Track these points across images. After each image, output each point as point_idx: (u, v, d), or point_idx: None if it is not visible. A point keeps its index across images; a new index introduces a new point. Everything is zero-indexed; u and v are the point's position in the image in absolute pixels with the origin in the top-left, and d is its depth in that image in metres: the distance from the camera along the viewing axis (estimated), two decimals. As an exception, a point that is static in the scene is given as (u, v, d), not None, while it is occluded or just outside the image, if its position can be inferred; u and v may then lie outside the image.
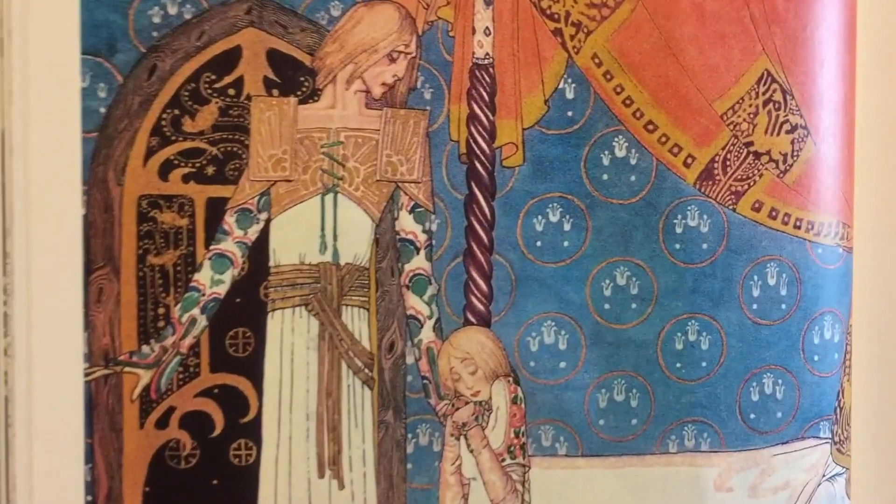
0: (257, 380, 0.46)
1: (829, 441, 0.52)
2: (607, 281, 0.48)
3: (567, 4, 0.46)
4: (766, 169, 0.49)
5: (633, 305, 0.48)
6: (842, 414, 0.53)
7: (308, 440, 0.46)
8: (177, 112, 0.44)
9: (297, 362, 0.46)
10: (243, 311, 0.46)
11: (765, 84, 0.48)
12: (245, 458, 0.46)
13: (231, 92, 0.44)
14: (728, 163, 0.49)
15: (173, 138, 0.44)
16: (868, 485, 0.56)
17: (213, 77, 0.44)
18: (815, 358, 0.50)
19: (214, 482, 0.45)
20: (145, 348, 0.45)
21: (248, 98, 0.45)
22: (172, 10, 0.43)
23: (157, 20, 0.43)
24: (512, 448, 0.48)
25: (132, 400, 0.45)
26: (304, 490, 0.46)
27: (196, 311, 0.45)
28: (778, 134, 0.48)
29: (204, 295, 0.45)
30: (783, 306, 0.49)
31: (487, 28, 0.45)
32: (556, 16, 0.46)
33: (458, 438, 0.47)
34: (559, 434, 0.48)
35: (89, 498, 0.45)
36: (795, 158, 0.49)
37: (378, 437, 0.47)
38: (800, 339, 0.50)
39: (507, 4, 0.46)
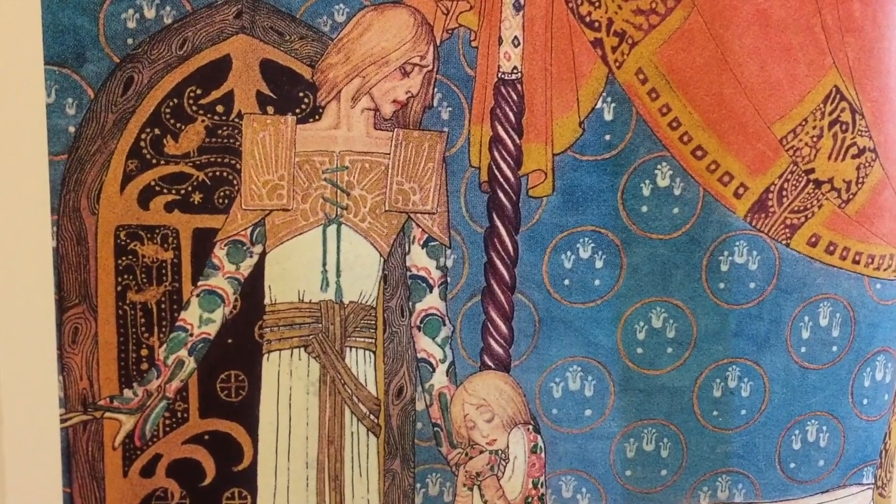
0: (251, 426, 0.43)
1: (872, 487, 0.47)
2: (641, 323, 0.43)
3: (610, 11, 0.40)
4: (827, 199, 0.43)
5: (669, 350, 0.43)
6: (886, 456, 0.48)
7: (307, 490, 0.43)
8: (157, 132, 0.41)
9: (295, 408, 0.43)
10: (236, 352, 0.43)
11: (832, 103, 0.42)
12: None
13: (219, 109, 0.40)
14: (784, 193, 0.43)
15: (154, 162, 0.41)
16: None
17: (199, 92, 0.40)
18: (864, 402, 0.45)
19: None
20: (128, 392, 0.42)
21: (240, 116, 0.41)
22: (149, 14, 0.38)
23: (131, 25, 0.38)
24: (529, 500, 0.44)
25: (114, 447, 0.42)
26: None
27: (183, 353, 0.42)
28: (843, 159, 0.43)
29: (192, 335, 0.42)
30: (834, 348, 0.44)
31: (516, 38, 0.41)
32: (596, 24, 0.41)
33: (471, 489, 0.43)
34: (581, 485, 0.44)
35: None
36: (860, 186, 0.43)
37: (384, 487, 0.44)
38: (849, 383, 0.45)
39: (541, 10, 0.40)
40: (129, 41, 0.39)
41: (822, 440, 0.46)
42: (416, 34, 0.41)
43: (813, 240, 0.44)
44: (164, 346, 0.41)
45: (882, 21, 0.42)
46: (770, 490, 0.46)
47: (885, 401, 0.47)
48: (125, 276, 0.41)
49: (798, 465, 0.46)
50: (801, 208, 0.44)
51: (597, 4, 0.41)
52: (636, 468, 0.44)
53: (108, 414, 0.43)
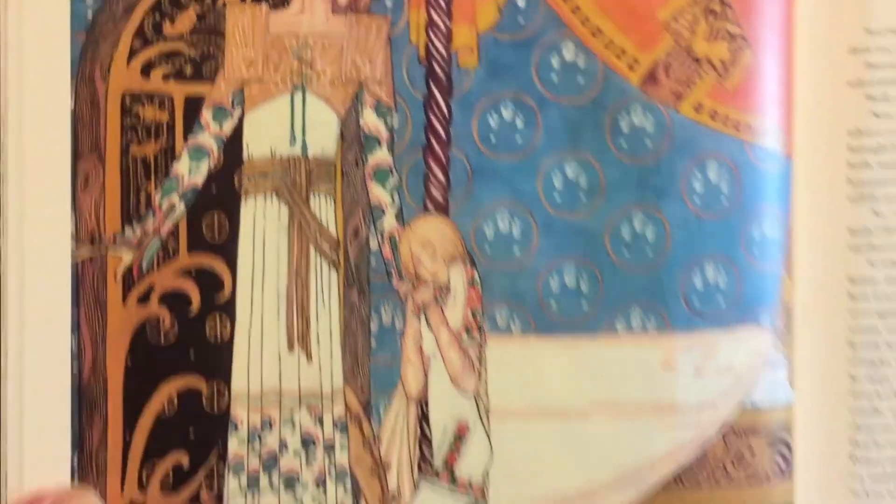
0: (231, 261, 0.52)
1: (771, 329, 0.55)
2: (558, 173, 0.52)
3: None
4: (707, 73, 0.52)
5: (583, 197, 0.51)
6: (782, 306, 0.56)
7: (278, 317, 0.52)
8: (158, 17, 0.51)
9: (268, 245, 0.52)
10: (219, 199, 0.52)
11: (704, -7, 0.54)
12: (220, 333, 0.51)
13: (208, -1, 0.52)
14: (670, 67, 0.52)
15: (155, 41, 0.51)
16: (809, 374, 0.58)
17: (192, -16, 0.51)
18: (756, 252, 0.53)
19: (191, 356, 0.52)
20: (128, 231, 0.51)
21: (224, 5, 0.51)
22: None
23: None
24: (469, 327, 0.51)
25: (115, 279, 0.51)
26: (274, 363, 0.52)
27: (175, 199, 0.52)
28: (717, 42, 0.52)
29: (182, 184, 0.52)
30: (724, 202, 0.52)
31: (445, -67, 0.53)
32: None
33: (418, 317, 0.51)
34: (513, 314, 0.52)
35: (76, 367, 0.51)
36: (734, 66, 0.52)
37: (344, 316, 0.53)
38: (740, 234, 0.53)
39: None
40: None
41: (721, 282, 0.54)
42: None
43: (697, 106, 0.53)
44: (160, 192, 0.51)
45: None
46: (678, 322, 0.53)
47: (777, 254, 0.55)
48: (129, 134, 0.51)
49: (701, 301, 0.53)
50: (685, 80, 0.53)
51: None
52: (560, 300, 0.52)
53: (111, 250, 0.51)
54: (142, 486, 0.52)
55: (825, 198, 0.60)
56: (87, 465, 0.51)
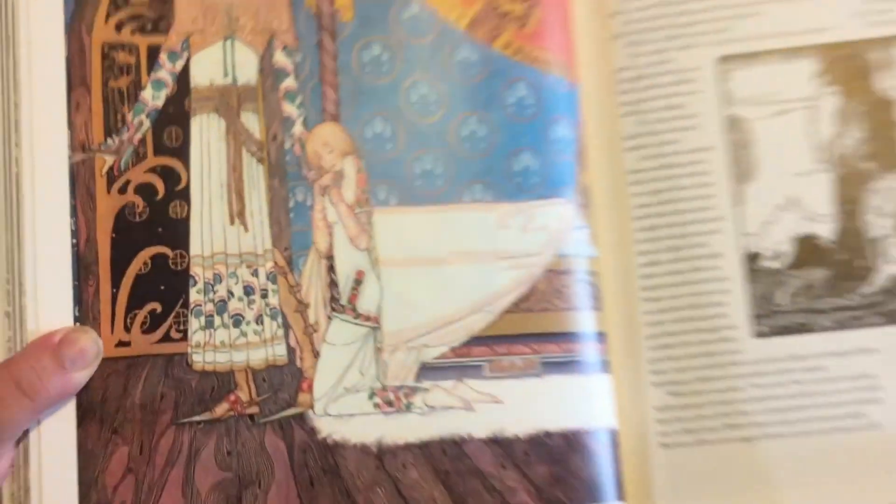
0: (186, 161, 0.67)
1: (573, 202, 0.70)
2: (414, 92, 0.68)
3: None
4: (510, 23, 0.71)
5: (433, 107, 0.68)
6: (581, 186, 0.72)
7: (222, 200, 0.66)
8: None
9: (212, 149, 0.67)
10: (174, 116, 0.67)
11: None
12: (180, 213, 0.66)
13: (162, -21, 0.69)
14: (485, 18, 0.71)
15: (123, 6, 0.67)
16: (604, 235, 0.72)
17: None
18: (556, 147, 0.70)
19: (159, 230, 0.66)
20: (109, 141, 0.66)
21: None
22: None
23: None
24: (360, 202, 0.67)
25: (101, 175, 0.66)
26: (220, 234, 0.66)
27: (142, 117, 0.66)
28: (515, 3, 0.71)
29: (147, 106, 0.66)
30: (530, 112, 0.69)
31: None
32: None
33: (323, 196, 0.67)
34: (390, 191, 0.68)
35: (74, 241, 0.64)
36: (529, 18, 0.71)
37: (269, 197, 0.67)
38: (544, 133, 0.70)
39: None
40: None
41: (534, 166, 0.68)
42: None
43: (506, 45, 0.70)
44: (131, 113, 0.66)
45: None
46: (506, 194, 0.66)
47: (571, 147, 0.71)
48: (107, 72, 0.66)
49: (521, 179, 0.66)
50: (496, 27, 0.70)
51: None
52: (422, 180, 0.66)
53: (98, 154, 0.66)
54: (126, 329, 0.64)
55: (603, 111, 0.73)
56: (85, 314, 0.63)
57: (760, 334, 0.71)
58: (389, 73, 0.68)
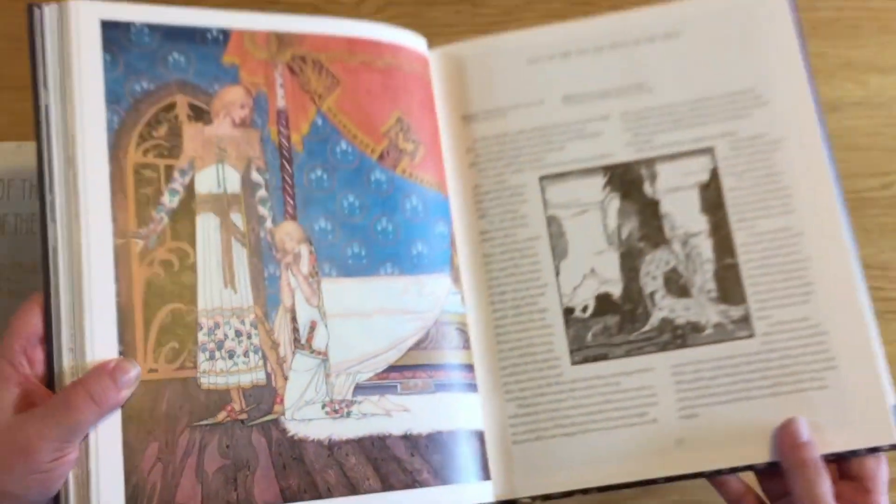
0: (193, 245, 0.78)
1: (450, 275, 0.85)
2: (345, 201, 0.82)
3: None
4: (405, 155, 0.86)
5: (356, 211, 0.82)
6: (454, 265, 0.86)
7: (218, 272, 0.78)
8: (148, 129, 0.79)
9: (211, 237, 0.79)
10: (185, 214, 0.79)
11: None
12: (189, 281, 0.78)
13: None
14: (389, 152, 0.86)
15: (148, 139, 0.78)
16: (470, 296, 0.87)
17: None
18: (439, 237, 0.86)
19: (175, 292, 0.77)
20: (141, 230, 0.77)
21: (181, 123, 0.80)
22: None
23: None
24: (311, 274, 0.81)
25: (135, 254, 0.76)
26: (218, 295, 0.78)
27: (163, 214, 0.77)
28: (407, 142, 0.87)
29: (166, 207, 0.78)
30: (420, 216, 0.86)
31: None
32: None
33: (286, 269, 0.80)
34: (332, 266, 0.82)
35: (117, 299, 0.74)
36: (416, 153, 0.87)
37: (250, 270, 0.79)
38: (430, 229, 0.85)
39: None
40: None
41: (425, 251, 0.87)
42: None
43: (403, 171, 0.85)
44: (155, 211, 0.77)
45: None
46: (408, 270, 0.84)
47: (447, 240, 0.87)
48: (138, 182, 0.77)
49: (418, 260, 0.85)
50: (397, 158, 0.86)
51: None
52: (352, 260, 0.80)
53: (132, 239, 0.76)
54: (155, 360, 0.75)
55: (465, 215, 0.88)
56: (126, 350, 0.74)
57: (575, 362, 0.86)
58: (329, 188, 0.83)
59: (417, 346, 0.83)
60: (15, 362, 0.70)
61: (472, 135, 0.91)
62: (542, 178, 0.90)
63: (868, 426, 0.81)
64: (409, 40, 0.90)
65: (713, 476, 0.82)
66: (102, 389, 0.70)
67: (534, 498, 0.83)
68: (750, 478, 0.83)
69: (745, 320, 0.86)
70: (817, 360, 0.84)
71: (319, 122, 0.85)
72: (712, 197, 0.88)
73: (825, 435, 0.80)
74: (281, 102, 0.84)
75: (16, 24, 0.83)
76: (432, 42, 0.91)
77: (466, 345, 0.85)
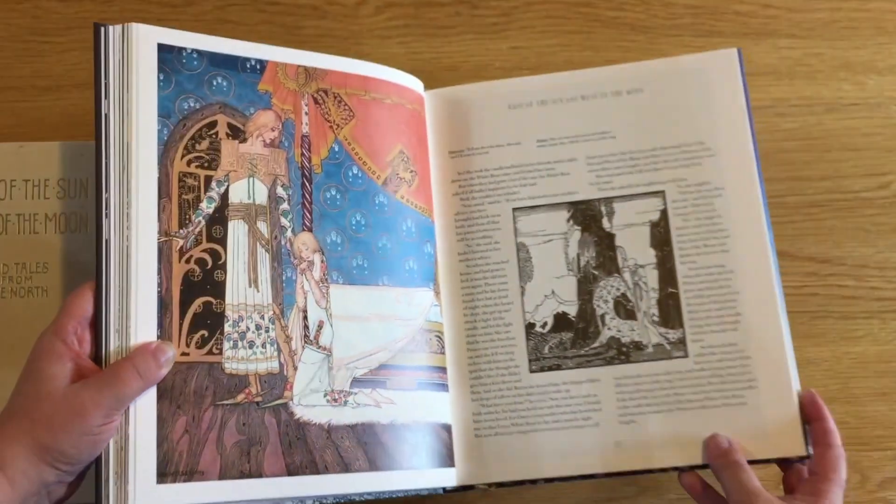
0: (225, 247, 0.86)
1: (432, 289, 0.94)
2: (353, 219, 0.90)
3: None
4: (402, 183, 0.94)
5: (362, 229, 0.91)
6: (436, 280, 0.94)
7: (245, 272, 0.85)
8: (192, 142, 0.87)
9: (240, 241, 0.86)
10: (219, 220, 0.86)
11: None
12: (220, 278, 0.85)
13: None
14: (392, 179, 0.94)
15: (192, 150, 0.86)
16: (446, 307, 0.95)
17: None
18: (426, 256, 0.93)
19: (208, 287, 0.85)
20: (181, 231, 0.84)
21: (220, 140, 0.88)
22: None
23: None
24: (322, 279, 0.88)
25: (176, 251, 0.84)
26: (243, 292, 0.85)
27: (201, 218, 0.84)
28: (406, 172, 0.97)
29: (203, 212, 0.85)
30: (412, 236, 0.94)
31: (308, 120, 1.09)
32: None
33: (301, 274, 0.86)
34: (339, 275, 0.90)
35: (159, 290, 0.82)
36: (413, 181, 0.95)
37: (271, 273, 0.86)
38: (419, 247, 0.94)
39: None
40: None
41: (414, 267, 0.94)
42: None
43: (402, 196, 0.94)
44: (194, 215, 0.84)
45: None
46: (400, 282, 0.91)
47: (432, 259, 0.96)
48: (181, 189, 0.84)
49: (407, 275, 0.93)
50: (398, 185, 0.95)
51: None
52: (355, 270, 0.95)
53: (174, 238, 0.86)
54: (187, 345, 0.82)
55: (447, 238, 0.96)
56: (163, 334, 0.82)
57: (533, 370, 0.94)
58: (341, 206, 0.92)
59: (404, 348, 0.92)
60: (68, 341, 0.77)
61: (457, 168, 1.00)
62: (514, 210, 0.98)
63: (780, 440, 0.92)
64: (410, 82, 1.00)
65: (645, 474, 0.91)
66: (146, 366, 0.78)
67: (489, 484, 0.91)
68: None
69: (681, 342, 0.95)
70: (740, 381, 0.95)
71: (336, 148, 0.93)
72: (661, 234, 0.98)
73: (744, 445, 0.89)
74: (305, 128, 0.92)
75: (17, 25, 0.94)
76: (430, 45, 1.03)
77: (442, 350, 0.94)
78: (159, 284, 0.84)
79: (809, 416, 0.90)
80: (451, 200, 1.00)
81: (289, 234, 0.91)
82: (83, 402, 0.74)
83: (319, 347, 0.89)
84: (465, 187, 1.01)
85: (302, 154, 0.92)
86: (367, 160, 0.96)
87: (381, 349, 0.93)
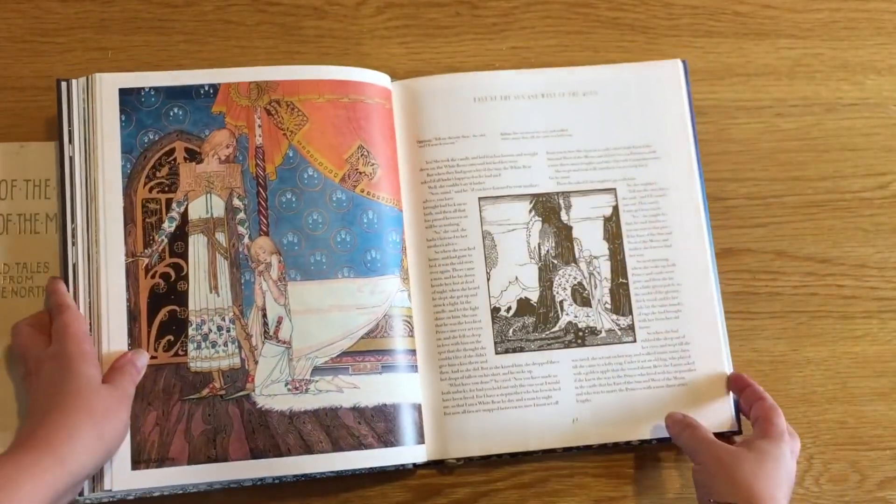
0: (186, 260, 0.94)
1: (399, 276, 0.97)
2: (310, 218, 0.95)
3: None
4: (363, 176, 0.98)
5: (319, 224, 0.96)
6: (403, 267, 0.97)
7: (206, 280, 0.94)
8: (152, 171, 0.96)
9: (200, 253, 0.94)
10: (180, 236, 0.94)
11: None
12: (183, 288, 0.94)
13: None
14: (350, 175, 0.98)
15: (153, 178, 0.94)
16: (415, 294, 0.99)
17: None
18: (391, 245, 0.97)
19: (172, 297, 0.94)
20: (146, 251, 0.93)
21: (178, 164, 0.96)
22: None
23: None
24: (280, 279, 0.94)
25: (142, 269, 0.93)
26: (205, 298, 0.94)
27: (163, 237, 0.93)
28: (366, 165, 0.98)
29: (165, 231, 0.93)
30: (375, 227, 0.98)
31: (260, 133, 1.17)
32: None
33: (259, 276, 0.93)
34: (297, 272, 0.95)
35: (128, 304, 0.91)
36: (374, 174, 0.98)
37: (231, 277, 0.94)
38: (384, 238, 0.97)
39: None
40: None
41: (378, 257, 0.95)
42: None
43: (362, 190, 0.94)
44: (157, 235, 0.94)
45: None
46: (362, 272, 0.95)
47: (398, 247, 0.98)
48: (145, 214, 0.95)
49: (371, 264, 0.96)
50: (357, 179, 0.98)
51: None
52: (314, 264, 1.00)
53: (139, 258, 1.01)
54: (155, 349, 0.92)
55: (415, 226, 0.99)
56: (133, 342, 0.91)
57: (498, 352, 1.00)
58: (296, 208, 0.97)
59: (368, 335, 0.97)
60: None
61: (425, 157, 1.03)
62: (480, 199, 1.03)
63: (714, 416, 1.02)
64: (372, 77, 1.02)
65: (600, 449, 0.98)
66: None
67: (458, 459, 0.96)
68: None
69: (630, 328, 1.03)
70: (681, 364, 1.03)
71: (290, 153, 0.98)
72: (613, 228, 1.05)
73: (685, 420, 0.90)
74: (259, 140, 0.98)
75: (18, 26, 0.95)
76: (430, 45, 1.05)
77: (411, 333, 0.98)
78: (128, 300, 0.94)
79: (738, 388, 0.99)
80: (419, 189, 1.03)
81: (246, 240, 0.97)
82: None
83: (279, 341, 0.96)
84: (433, 176, 1.04)
85: (256, 164, 0.98)
86: (323, 160, 1.00)
87: (341, 338, 0.98)
